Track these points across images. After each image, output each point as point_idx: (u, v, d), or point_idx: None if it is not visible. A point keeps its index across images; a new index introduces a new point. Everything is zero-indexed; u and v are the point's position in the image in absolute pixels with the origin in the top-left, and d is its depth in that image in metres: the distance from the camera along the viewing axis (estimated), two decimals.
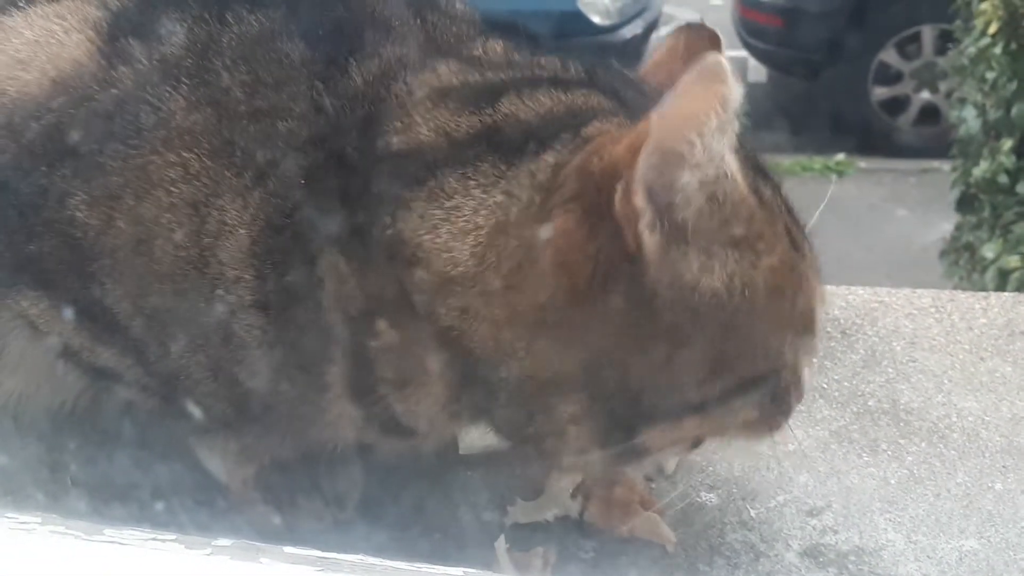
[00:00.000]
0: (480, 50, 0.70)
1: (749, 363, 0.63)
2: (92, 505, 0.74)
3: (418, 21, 0.70)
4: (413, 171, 0.62)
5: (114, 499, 0.74)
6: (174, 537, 0.59)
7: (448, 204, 0.61)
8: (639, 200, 0.56)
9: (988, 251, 2.50)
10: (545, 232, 0.59)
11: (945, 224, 2.99)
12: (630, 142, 0.57)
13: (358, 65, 0.65)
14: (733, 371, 0.62)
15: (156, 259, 0.64)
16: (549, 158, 0.61)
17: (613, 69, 0.70)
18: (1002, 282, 2.37)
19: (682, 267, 0.58)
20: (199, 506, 0.74)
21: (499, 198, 0.61)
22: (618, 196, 0.57)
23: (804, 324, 0.65)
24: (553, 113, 0.63)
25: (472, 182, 0.61)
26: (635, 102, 0.65)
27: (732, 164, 0.58)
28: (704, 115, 0.55)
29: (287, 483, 0.76)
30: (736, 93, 0.55)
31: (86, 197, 0.65)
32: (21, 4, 0.71)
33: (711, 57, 0.55)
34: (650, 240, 0.57)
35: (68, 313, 0.69)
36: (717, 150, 0.56)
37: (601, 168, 0.58)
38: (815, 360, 0.69)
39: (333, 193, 0.63)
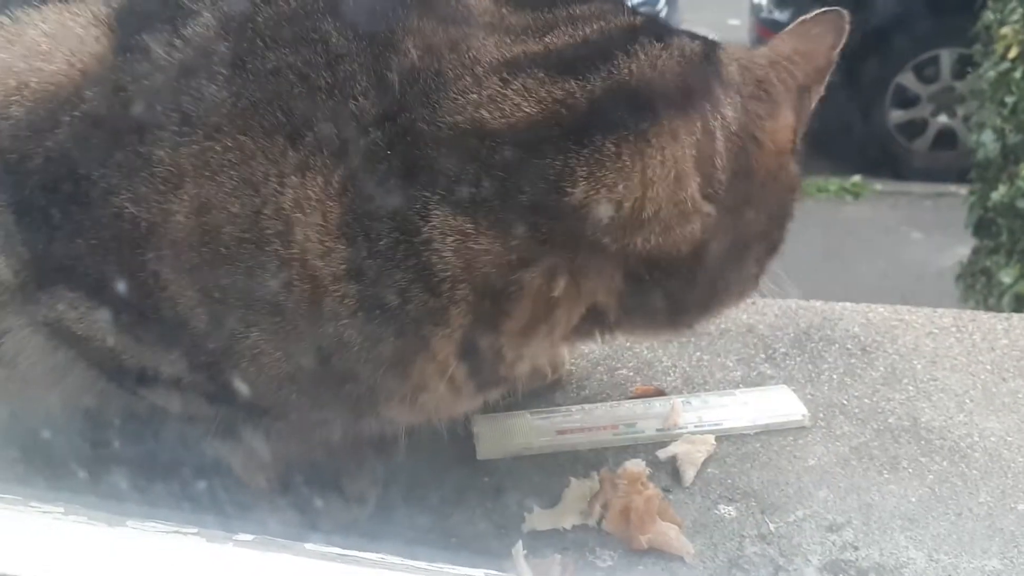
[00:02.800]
0: (497, 14, 0.69)
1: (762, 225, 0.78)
2: (116, 498, 0.74)
3: None
4: (544, 145, 0.63)
5: (137, 493, 0.74)
6: (196, 530, 0.59)
7: (618, 164, 0.64)
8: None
9: (1005, 276, 2.49)
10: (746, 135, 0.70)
11: (960, 248, 2.98)
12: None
13: (406, 41, 0.65)
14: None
15: (223, 243, 0.62)
16: (732, 67, 0.72)
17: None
18: (1019, 307, 2.36)
19: (788, 167, 0.77)
20: (222, 501, 0.74)
21: (624, 161, 0.64)
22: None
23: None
24: (685, 57, 0.69)
25: (590, 153, 0.63)
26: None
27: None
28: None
29: (309, 481, 0.76)
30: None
31: (133, 192, 0.63)
32: (35, 2, 0.69)
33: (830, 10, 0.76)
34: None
35: (110, 312, 0.67)
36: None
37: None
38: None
39: (420, 164, 0.63)
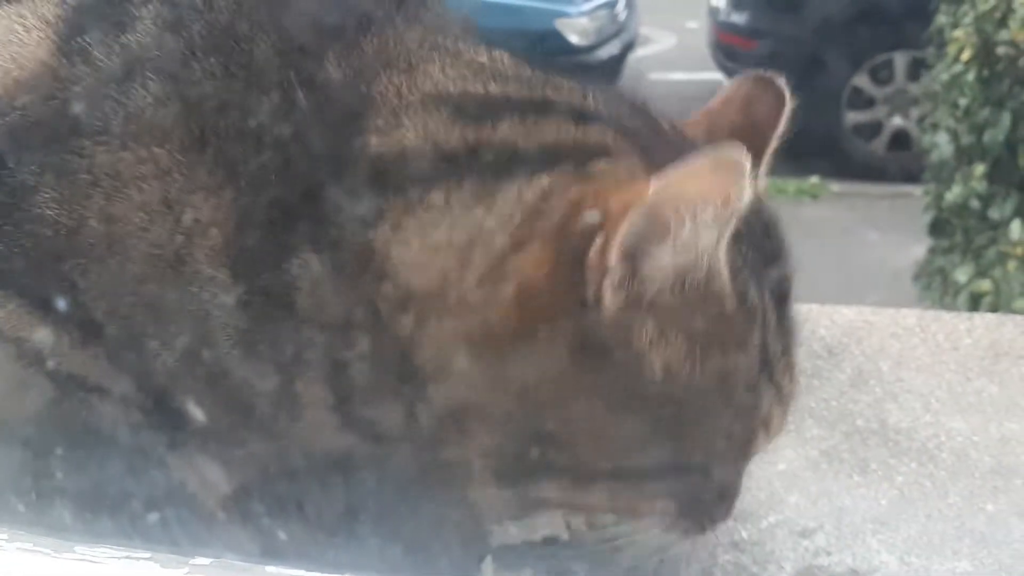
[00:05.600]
0: (485, 57, 0.68)
1: (668, 450, 0.61)
2: (63, 521, 0.71)
3: (404, 16, 0.68)
4: (393, 179, 0.60)
5: (87, 515, 0.71)
6: (148, 555, 0.56)
7: (425, 218, 0.59)
8: (613, 258, 0.55)
9: (960, 275, 2.53)
10: (516, 254, 0.58)
11: (916, 248, 3.03)
12: (625, 197, 0.55)
13: (336, 59, 0.63)
14: (649, 454, 0.61)
15: (130, 256, 0.63)
16: (543, 181, 0.59)
17: (639, 107, 0.68)
18: (974, 306, 2.40)
19: (633, 334, 0.57)
20: (176, 523, 0.71)
21: (478, 213, 0.59)
22: (596, 246, 0.56)
23: (739, 443, 0.64)
24: (559, 144, 0.61)
25: (454, 197, 0.59)
26: (657, 150, 0.62)
27: (720, 260, 0.57)
28: (703, 201, 0.54)
29: (266, 501, 0.74)
30: (744, 196, 0.54)
31: (56, 195, 0.63)
32: None
33: (734, 150, 0.53)
34: (611, 299, 0.56)
35: (38, 315, 0.67)
36: (705, 242, 0.55)
37: (594, 210, 0.56)
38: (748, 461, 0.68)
39: (304, 192, 0.61)
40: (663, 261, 0.56)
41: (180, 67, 0.63)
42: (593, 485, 0.62)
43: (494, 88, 0.65)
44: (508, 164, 0.60)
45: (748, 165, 0.53)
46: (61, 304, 0.65)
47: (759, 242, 0.63)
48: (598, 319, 0.57)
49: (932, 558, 0.76)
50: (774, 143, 0.69)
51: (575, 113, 0.63)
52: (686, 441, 0.61)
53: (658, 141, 0.65)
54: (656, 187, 0.54)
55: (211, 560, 0.56)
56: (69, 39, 0.65)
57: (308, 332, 0.62)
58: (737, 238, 0.58)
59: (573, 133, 0.62)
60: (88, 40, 0.64)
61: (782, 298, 0.64)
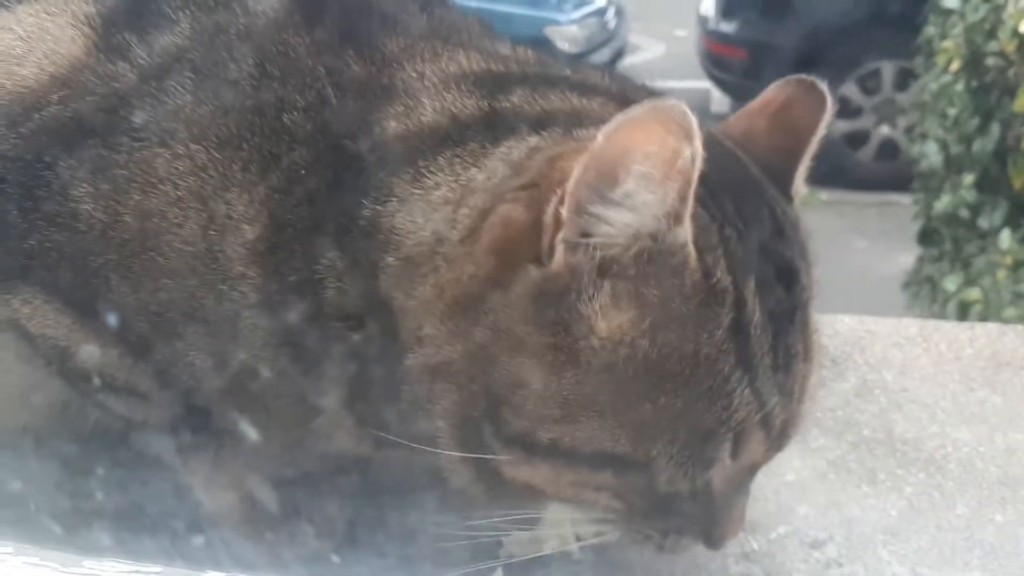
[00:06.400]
0: (510, 50, 0.69)
1: (607, 434, 0.56)
2: (71, 533, 0.69)
3: (428, 15, 0.69)
4: (405, 155, 0.60)
5: (97, 526, 0.70)
6: (159, 569, 0.54)
7: (428, 182, 0.60)
8: (565, 211, 0.54)
9: (949, 284, 2.54)
10: (494, 207, 0.57)
11: (904, 256, 3.04)
12: (579, 150, 0.54)
13: (359, 55, 0.64)
14: (587, 432, 0.57)
15: (164, 253, 0.62)
16: (531, 140, 0.59)
17: (637, 86, 0.69)
18: (963, 315, 2.41)
19: (582, 294, 0.55)
20: (188, 536, 0.70)
21: (472, 172, 0.59)
22: (554, 198, 0.55)
23: (704, 446, 0.58)
24: (558, 109, 0.62)
25: (457, 160, 0.60)
26: None
27: (681, 229, 0.54)
28: (646, 153, 0.52)
29: (272, 510, 0.72)
30: (692, 155, 0.51)
31: (92, 190, 0.63)
32: (7, 3, 0.69)
33: (675, 103, 0.51)
34: (560, 255, 0.55)
35: (64, 311, 0.66)
36: (653, 199, 0.53)
37: (562, 167, 0.55)
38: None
39: (332, 188, 0.61)
40: (613, 217, 0.54)
41: (217, 67, 0.63)
42: (537, 459, 0.58)
43: (513, 68, 0.66)
44: (509, 127, 0.60)
45: (694, 121, 0.51)
46: (91, 302, 0.64)
47: (764, 236, 0.60)
48: (549, 274, 0.55)
49: (944, 570, 0.76)
50: (813, 146, 0.67)
51: (581, 86, 0.64)
52: (626, 428, 0.56)
53: None
54: (601, 135, 0.52)
55: (223, 574, 0.55)
56: (107, 37, 0.65)
57: (334, 330, 0.61)
58: (723, 218, 0.56)
59: (573, 102, 0.63)
60: (128, 39, 0.65)
61: (790, 307, 0.61)
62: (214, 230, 0.61)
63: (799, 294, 0.63)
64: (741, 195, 0.61)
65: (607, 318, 0.55)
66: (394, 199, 0.59)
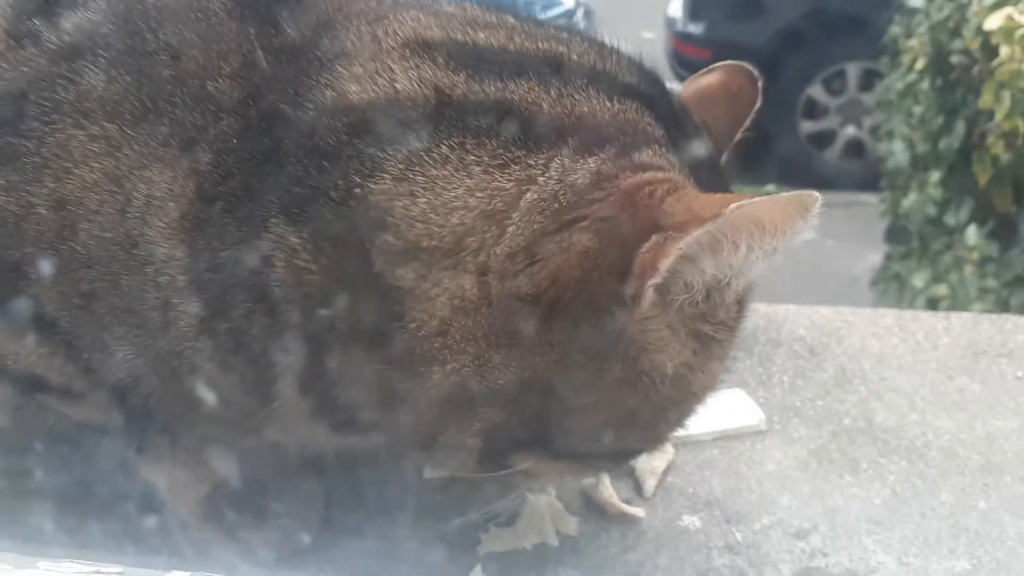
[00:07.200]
0: (453, 7, 0.64)
1: (639, 438, 0.64)
2: (25, 534, 0.65)
3: None
4: (389, 127, 0.56)
5: (52, 527, 0.66)
6: (120, 570, 0.52)
7: (435, 172, 0.55)
8: (667, 262, 0.53)
9: (917, 280, 2.56)
10: (559, 234, 0.55)
11: (872, 255, 3.06)
12: (694, 209, 0.53)
13: (291, 16, 0.60)
14: (626, 442, 0.63)
15: (82, 242, 0.59)
16: (591, 164, 0.56)
17: (653, 78, 0.65)
18: (931, 310, 2.43)
19: (654, 334, 0.57)
20: (149, 534, 0.66)
21: (508, 184, 0.55)
22: (649, 245, 0.53)
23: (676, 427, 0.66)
24: (596, 118, 0.58)
25: (472, 157, 0.56)
26: (682, 135, 0.61)
27: (747, 275, 0.57)
28: (771, 232, 0.53)
29: (240, 506, 0.69)
30: (805, 235, 0.54)
31: (2, 181, 0.60)
32: None
33: (814, 196, 0.52)
34: (648, 298, 0.55)
35: None
36: (751, 265, 0.55)
37: (648, 209, 0.54)
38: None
39: (273, 157, 0.57)
40: (706, 273, 0.56)
41: (131, 41, 0.60)
42: (561, 461, 0.64)
43: (488, 38, 0.61)
44: (541, 132, 0.56)
45: (818, 208, 0.53)
46: (12, 300, 0.61)
47: None
48: (629, 315, 0.55)
49: (930, 557, 0.75)
50: (742, 132, 0.69)
51: (602, 81, 0.60)
52: (655, 430, 0.64)
53: (679, 124, 0.63)
54: (735, 209, 0.52)
55: (188, 573, 0.52)
56: (17, 22, 0.62)
57: (287, 309, 0.58)
58: None
59: (611, 109, 0.58)
60: (38, 22, 0.61)
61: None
62: (134, 212, 0.58)
63: None
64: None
65: (674, 357, 0.58)
66: (386, 177, 0.55)
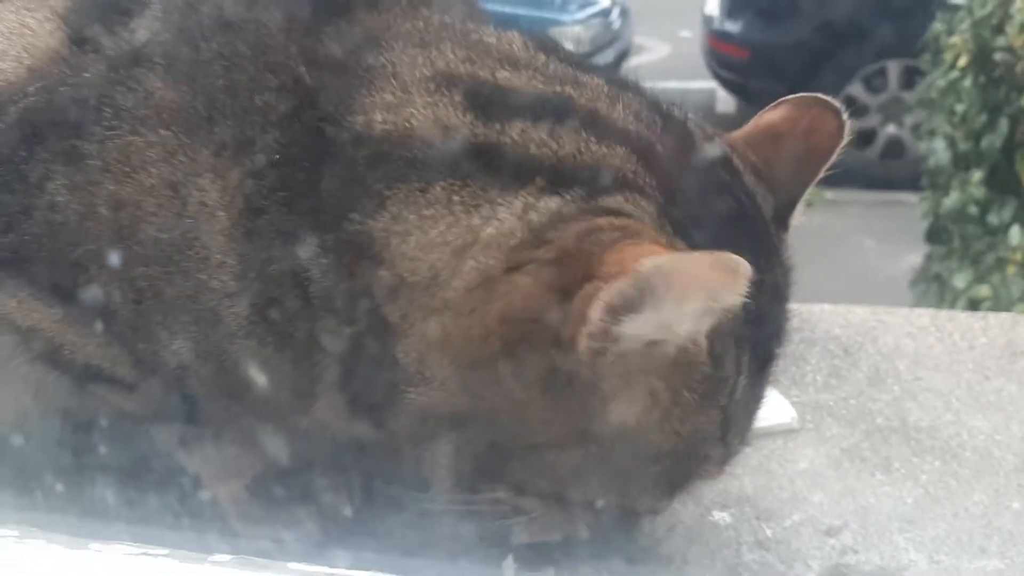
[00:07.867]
0: (494, 38, 0.65)
1: (599, 487, 0.63)
2: (79, 520, 0.68)
3: None
4: (397, 163, 0.58)
5: (103, 512, 0.69)
6: (166, 552, 0.54)
7: (426, 212, 0.58)
8: (596, 311, 0.54)
9: (958, 281, 2.53)
10: (508, 274, 0.56)
11: (911, 255, 3.02)
12: (625, 258, 0.54)
13: (337, 32, 0.62)
14: (585, 490, 0.63)
15: (140, 242, 0.61)
16: (552, 204, 0.57)
17: (671, 119, 0.64)
18: (972, 311, 2.40)
19: (598, 380, 0.57)
20: (194, 519, 0.69)
21: (476, 221, 0.57)
22: (583, 293, 0.55)
23: (671, 488, 0.65)
24: (575, 163, 0.59)
25: (456, 198, 0.58)
26: (676, 187, 0.60)
27: (699, 339, 0.57)
28: (695, 296, 0.53)
29: (279, 494, 0.72)
30: (736, 299, 0.53)
31: (67, 181, 0.62)
32: None
33: (738, 260, 0.51)
34: (584, 345, 0.56)
35: (50, 303, 0.65)
36: (688, 327, 0.55)
37: (590, 256, 0.55)
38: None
39: (311, 173, 0.59)
40: (641, 329, 0.55)
41: (187, 50, 0.62)
42: (527, 497, 0.64)
43: (509, 78, 0.62)
44: (516, 172, 0.58)
45: (746, 274, 0.52)
46: (75, 294, 0.64)
47: (765, 303, 0.60)
48: (568, 359, 0.56)
49: (961, 556, 0.75)
50: (821, 174, 0.68)
51: (596, 125, 0.60)
52: (617, 483, 0.62)
53: (679, 176, 0.61)
54: (653, 264, 0.52)
55: (231, 557, 0.55)
56: (79, 29, 0.65)
57: (321, 320, 0.60)
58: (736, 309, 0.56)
59: (591, 152, 0.59)
60: (98, 29, 0.64)
61: (765, 360, 0.64)
62: (188, 217, 0.60)
63: (778, 348, 0.66)
64: (754, 252, 0.57)
65: (620, 409, 0.58)
66: (387, 215, 0.58)
